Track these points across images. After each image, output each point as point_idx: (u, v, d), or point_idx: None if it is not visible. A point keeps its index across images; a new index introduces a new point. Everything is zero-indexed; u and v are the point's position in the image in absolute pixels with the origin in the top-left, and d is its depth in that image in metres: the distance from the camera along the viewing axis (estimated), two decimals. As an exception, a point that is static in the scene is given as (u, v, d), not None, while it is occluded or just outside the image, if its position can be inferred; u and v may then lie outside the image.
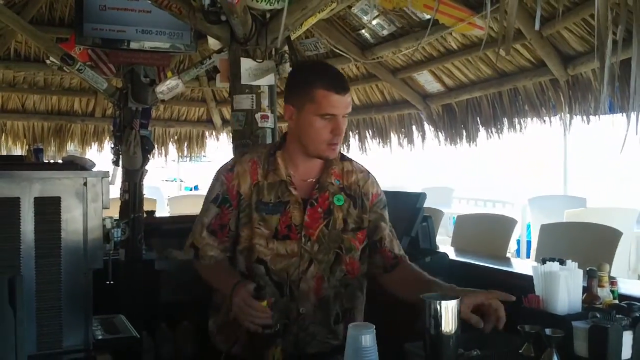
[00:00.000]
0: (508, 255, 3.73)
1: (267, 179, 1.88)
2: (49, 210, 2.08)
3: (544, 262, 1.99)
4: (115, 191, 4.33)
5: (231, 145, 3.08)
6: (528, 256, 6.31)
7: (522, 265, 2.92)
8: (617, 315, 1.68)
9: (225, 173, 1.92)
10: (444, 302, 1.53)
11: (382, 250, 1.97)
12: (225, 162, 1.99)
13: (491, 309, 1.64)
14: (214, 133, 7.12)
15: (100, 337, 2.34)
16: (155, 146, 6.59)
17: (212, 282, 1.92)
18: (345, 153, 2.07)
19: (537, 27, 3.16)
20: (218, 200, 1.90)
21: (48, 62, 4.52)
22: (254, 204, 1.86)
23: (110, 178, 2.46)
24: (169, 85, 4.20)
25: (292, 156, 1.91)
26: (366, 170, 2.04)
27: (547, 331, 1.64)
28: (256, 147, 2.02)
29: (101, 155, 6.46)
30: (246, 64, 2.89)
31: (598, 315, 1.72)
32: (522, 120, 4.37)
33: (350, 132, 6.13)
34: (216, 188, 1.92)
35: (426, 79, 4.89)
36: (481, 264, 2.94)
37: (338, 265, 1.91)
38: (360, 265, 1.96)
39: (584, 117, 3.86)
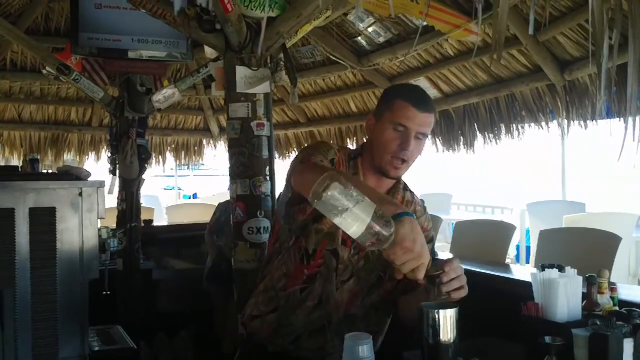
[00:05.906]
0: (507, 261, 3.72)
1: None
2: (43, 220, 2.07)
3: (543, 268, 1.97)
4: (112, 200, 4.32)
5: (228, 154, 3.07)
6: (527, 261, 6.29)
7: (521, 272, 2.90)
8: (617, 322, 1.66)
9: (334, 148, 1.87)
10: (442, 311, 1.51)
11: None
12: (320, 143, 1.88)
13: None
14: (211, 141, 7.12)
15: (96, 348, 2.34)
16: (153, 155, 6.58)
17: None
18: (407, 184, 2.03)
19: (530, 31, 3.17)
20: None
21: (44, 72, 4.52)
22: None
23: (107, 187, 2.46)
24: (165, 94, 4.20)
25: (364, 169, 1.91)
26: (423, 205, 2.05)
27: (547, 339, 1.63)
28: (338, 146, 1.96)
29: (98, 165, 6.45)
30: (241, 72, 2.88)
31: (598, 323, 1.70)
32: (519, 126, 4.37)
33: (348, 139, 6.13)
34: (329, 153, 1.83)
35: (423, 86, 4.89)
36: (480, 270, 2.92)
37: (376, 288, 1.89)
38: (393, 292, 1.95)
39: (581, 122, 3.86)
